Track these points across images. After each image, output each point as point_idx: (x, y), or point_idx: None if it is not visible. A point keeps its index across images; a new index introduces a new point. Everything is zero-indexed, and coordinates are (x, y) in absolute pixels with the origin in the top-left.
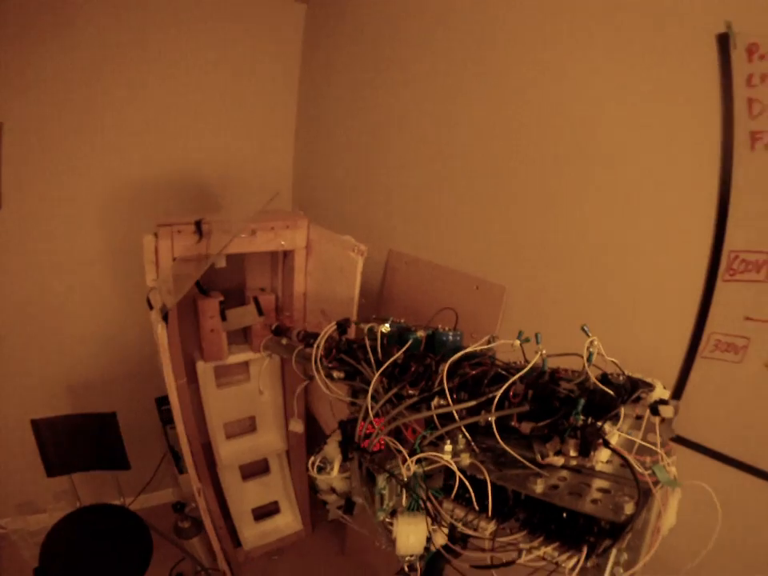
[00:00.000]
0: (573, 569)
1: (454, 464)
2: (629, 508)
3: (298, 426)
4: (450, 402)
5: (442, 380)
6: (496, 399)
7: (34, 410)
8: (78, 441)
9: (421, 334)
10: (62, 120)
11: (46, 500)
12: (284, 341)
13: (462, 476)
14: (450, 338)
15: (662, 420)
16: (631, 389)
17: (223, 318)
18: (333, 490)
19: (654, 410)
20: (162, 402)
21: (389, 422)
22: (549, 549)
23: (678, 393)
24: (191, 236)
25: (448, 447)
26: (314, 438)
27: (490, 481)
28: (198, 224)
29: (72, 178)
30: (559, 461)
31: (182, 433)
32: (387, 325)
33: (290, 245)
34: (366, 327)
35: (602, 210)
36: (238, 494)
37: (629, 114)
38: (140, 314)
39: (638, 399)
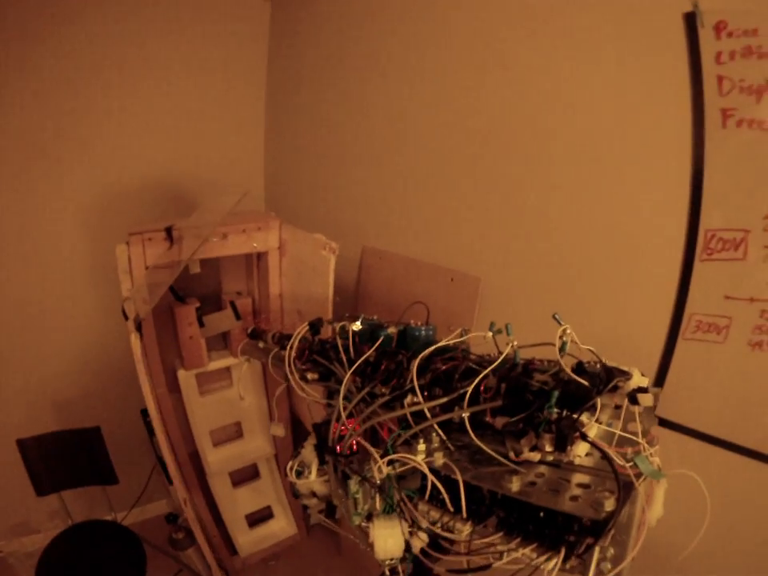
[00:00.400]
0: (553, 570)
1: (424, 465)
2: (609, 504)
3: (278, 430)
4: (421, 399)
5: (413, 377)
6: (468, 395)
7: (19, 429)
8: (64, 458)
9: (392, 330)
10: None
11: (39, 520)
12: (261, 344)
13: (433, 477)
14: (423, 332)
15: (643, 409)
16: (606, 378)
17: (201, 324)
18: (314, 494)
19: (633, 399)
20: (148, 413)
21: (362, 422)
22: (527, 550)
23: (661, 376)
24: (162, 243)
25: (421, 447)
26: (300, 440)
27: (465, 481)
28: (168, 230)
29: (46, 190)
30: (535, 457)
31: (163, 442)
32: (358, 323)
33: (262, 246)
34: (337, 326)
35: (575, 195)
36: (230, 501)
37: (598, 98)
38: (121, 325)
39: (616, 388)
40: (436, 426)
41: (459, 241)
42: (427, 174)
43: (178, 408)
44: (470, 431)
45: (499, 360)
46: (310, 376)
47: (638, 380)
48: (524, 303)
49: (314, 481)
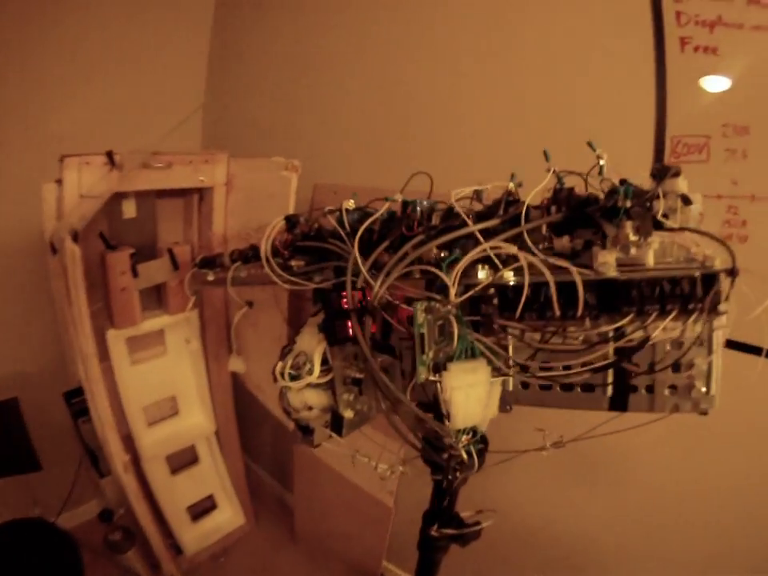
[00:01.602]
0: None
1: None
2: (718, 263)
3: (238, 365)
4: (470, 222)
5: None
6: (524, 207)
7: None
8: None
9: (398, 196)
10: None
11: None
12: (210, 276)
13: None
14: (426, 204)
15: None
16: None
17: (135, 274)
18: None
19: (686, 200)
20: (72, 395)
21: (398, 261)
22: (668, 321)
23: None
24: (101, 168)
25: (482, 274)
26: (246, 418)
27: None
28: (109, 154)
29: None
30: (612, 257)
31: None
32: (352, 201)
33: (209, 181)
34: (325, 209)
35: (546, 117)
36: (169, 491)
37: (572, 22)
38: (41, 306)
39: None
40: (490, 251)
41: (410, 158)
42: (366, 96)
43: (106, 381)
44: (532, 246)
45: (548, 178)
46: (295, 263)
47: (683, 184)
48: None
49: (309, 387)
